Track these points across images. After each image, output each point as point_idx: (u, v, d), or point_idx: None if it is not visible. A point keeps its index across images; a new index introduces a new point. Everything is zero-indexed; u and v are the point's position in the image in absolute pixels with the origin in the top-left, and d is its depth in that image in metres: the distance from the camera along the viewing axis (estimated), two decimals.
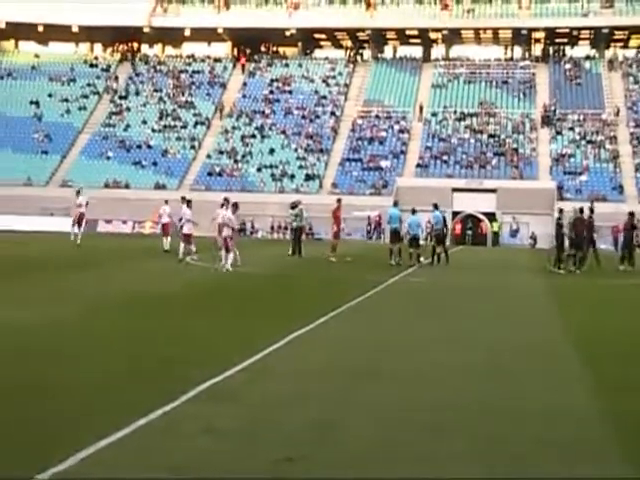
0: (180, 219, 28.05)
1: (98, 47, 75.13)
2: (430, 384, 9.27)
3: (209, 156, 61.22)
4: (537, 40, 70.21)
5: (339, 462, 6.38)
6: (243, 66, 69.96)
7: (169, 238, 30.74)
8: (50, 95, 67.50)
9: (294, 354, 10.94)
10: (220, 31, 70.73)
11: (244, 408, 7.83)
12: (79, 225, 33.07)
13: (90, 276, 21.16)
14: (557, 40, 69.32)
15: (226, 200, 25.20)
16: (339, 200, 31.99)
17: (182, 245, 26.78)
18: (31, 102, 66.66)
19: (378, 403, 8.28)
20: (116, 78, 69.42)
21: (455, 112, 62.79)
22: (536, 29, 67.85)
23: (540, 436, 7.19)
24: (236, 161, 60.55)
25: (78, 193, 34.73)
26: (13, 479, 5.63)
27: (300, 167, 59.60)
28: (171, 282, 20.57)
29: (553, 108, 62.00)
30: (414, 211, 29.23)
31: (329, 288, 20.56)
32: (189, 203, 27.78)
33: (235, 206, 24.38)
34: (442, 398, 8.53)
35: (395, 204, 30.27)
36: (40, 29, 71.92)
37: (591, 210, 31.01)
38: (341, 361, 10.50)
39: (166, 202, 32.79)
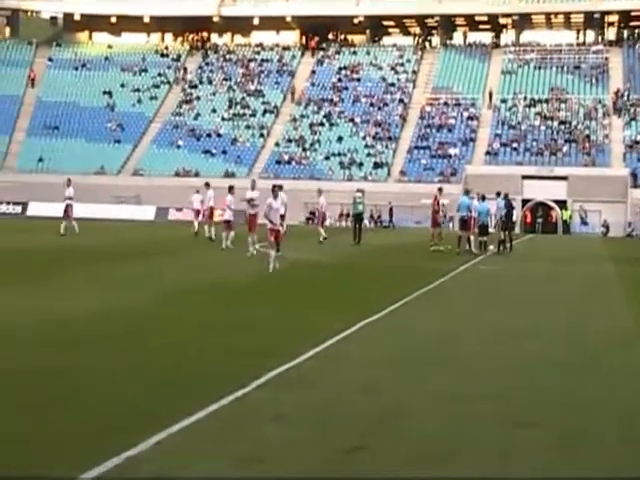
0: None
1: (169, 37, 75.93)
2: (503, 375, 9.11)
3: (278, 144, 61.44)
4: (610, 23, 68.61)
5: (409, 451, 6.30)
6: (313, 50, 69.87)
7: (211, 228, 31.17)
8: (122, 85, 68.48)
9: (364, 342, 10.88)
10: (288, 19, 70.84)
11: (314, 395, 7.81)
12: (68, 216, 31.82)
13: (160, 264, 21.39)
14: (631, 23, 67.59)
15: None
16: (440, 189, 31.27)
17: (224, 233, 26.51)
18: (104, 92, 67.73)
19: (449, 393, 8.17)
20: (186, 68, 70.05)
21: (525, 98, 61.82)
22: (609, 12, 66.34)
23: (623, 434, 7.00)
24: (304, 149, 60.64)
25: (68, 184, 32.84)
26: (89, 462, 5.69)
27: (368, 155, 59.42)
28: (238, 270, 20.68)
29: (627, 93, 60.56)
30: (483, 198, 28.83)
31: (397, 276, 20.43)
32: (232, 189, 27.25)
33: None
34: (516, 390, 8.37)
35: (466, 192, 29.91)
36: (113, 20, 73.00)
37: None
38: (411, 349, 10.41)
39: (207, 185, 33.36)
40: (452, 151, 58.76)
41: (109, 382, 8.13)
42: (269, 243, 19.32)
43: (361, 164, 58.66)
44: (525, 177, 54.12)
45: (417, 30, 72.45)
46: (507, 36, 70.66)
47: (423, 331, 11.83)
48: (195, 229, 32.82)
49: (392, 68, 66.92)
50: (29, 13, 76.96)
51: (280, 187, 22.34)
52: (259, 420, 6.90)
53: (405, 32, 73.81)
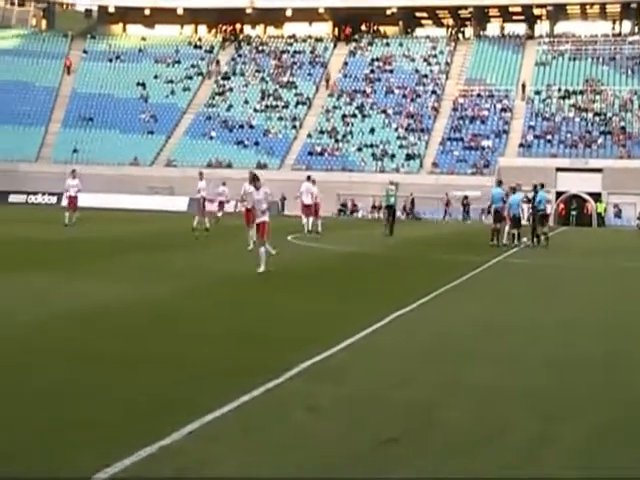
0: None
1: (202, 29, 76.12)
2: (538, 368, 9.01)
3: (310, 136, 61.41)
4: None
5: (443, 444, 6.26)
6: (347, 38, 69.67)
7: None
8: (156, 77, 68.79)
9: (397, 334, 10.84)
10: (321, 11, 70.71)
11: (346, 387, 7.79)
12: (74, 208, 31.09)
13: (191, 255, 21.48)
14: None
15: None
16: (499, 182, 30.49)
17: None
18: (138, 84, 68.09)
19: (482, 385, 8.11)
20: (218, 60, 70.20)
21: (559, 90, 61.24)
22: None
23: None
24: (337, 141, 60.57)
25: (73, 174, 32.10)
26: (122, 451, 5.71)
27: (400, 147, 59.21)
28: (271, 261, 20.69)
29: None
30: (514, 190, 28.55)
31: (430, 268, 20.35)
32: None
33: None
34: (552, 384, 8.29)
35: (499, 184, 29.66)
36: (147, 12, 73.33)
37: None
38: (444, 342, 10.35)
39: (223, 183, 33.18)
40: (485, 143, 58.39)
41: (142, 372, 8.16)
42: (258, 240, 17.23)
43: (393, 156, 58.48)
44: (559, 169, 53.62)
45: (450, 21, 72.01)
46: (541, 27, 70.01)
47: (455, 324, 11.75)
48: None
49: (425, 59, 66.58)
50: (64, 6, 77.63)
51: (309, 178, 21.96)
52: (290, 411, 6.89)
53: (438, 23, 73.40)
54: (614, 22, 69.35)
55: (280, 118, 63.56)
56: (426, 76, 65.20)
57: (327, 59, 68.97)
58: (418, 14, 72.08)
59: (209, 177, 53.57)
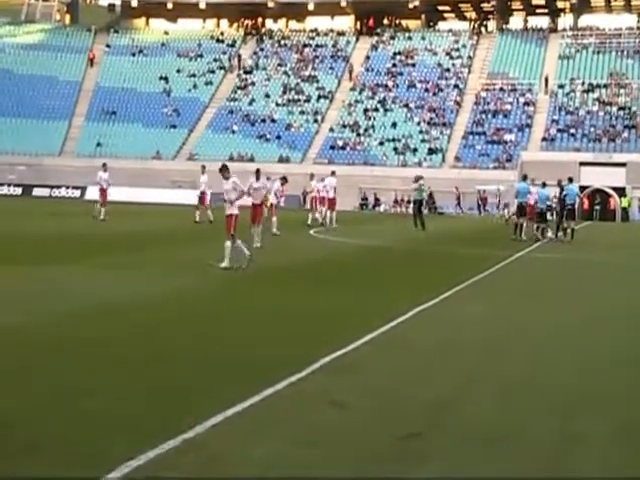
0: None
1: (224, 23, 76.20)
2: (561, 365, 8.95)
3: (332, 130, 61.34)
4: None
5: (465, 439, 6.24)
6: (370, 29, 69.48)
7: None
8: (178, 71, 68.97)
9: (419, 328, 10.81)
10: (343, 4, 70.56)
11: (369, 381, 7.78)
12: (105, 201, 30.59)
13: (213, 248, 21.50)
14: None
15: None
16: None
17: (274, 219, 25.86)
18: (160, 78, 68.29)
19: (504, 382, 8.07)
20: (240, 54, 70.26)
21: (583, 84, 60.80)
22: None
23: None
24: (358, 135, 60.48)
25: (104, 167, 31.54)
26: (146, 444, 5.73)
27: (423, 141, 59.03)
28: (291, 255, 20.70)
29: None
30: (544, 184, 28.55)
31: (453, 262, 20.28)
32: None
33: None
34: (575, 381, 8.22)
35: (524, 178, 29.53)
36: (169, 6, 73.50)
37: None
38: (465, 337, 10.31)
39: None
40: (508, 137, 58.09)
41: (168, 364, 8.19)
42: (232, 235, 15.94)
43: (415, 150, 58.31)
44: (582, 164, 53.23)
45: (473, 15, 71.66)
46: (565, 20, 69.50)
47: (477, 319, 11.70)
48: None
49: (447, 53, 66.31)
50: (88, 0, 77.97)
51: (334, 173, 21.61)
52: (313, 405, 6.89)
53: (461, 17, 73.06)
54: (639, 15, 68.70)
55: (302, 112, 63.53)
56: (448, 70, 64.92)
57: (349, 53, 68.83)
58: (440, 7, 71.79)
59: (234, 171, 53.75)
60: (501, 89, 62.10)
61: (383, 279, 16.28)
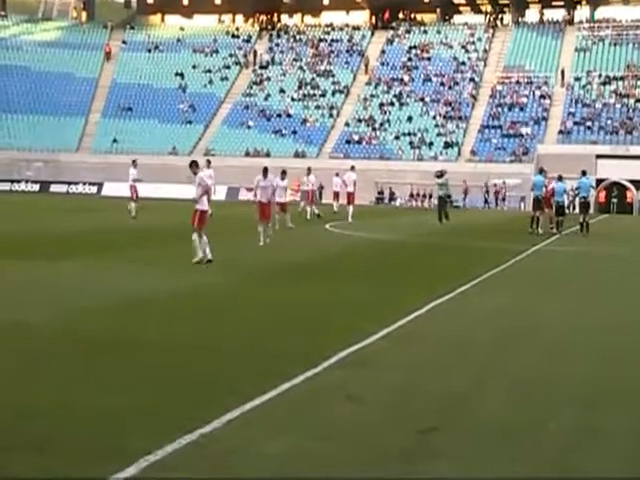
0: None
1: (239, 18, 76.20)
2: (580, 359, 8.90)
3: (347, 124, 61.25)
4: None
5: (481, 434, 6.22)
6: (385, 25, 69.31)
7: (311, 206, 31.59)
8: (194, 66, 69.05)
9: (435, 322, 10.80)
10: None
11: (385, 376, 7.78)
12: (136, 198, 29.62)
13: (234, 243, 21.54)
14: None
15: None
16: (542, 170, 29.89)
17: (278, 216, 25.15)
18: (176, 74, 68.40)
19: (522, 375, 8.05)
20: (255, 50, 70.25)
21: (600, 76, 60.41)
22: None
23: None
24: (374, 129, 60.37)
25: (134, 163, 30.65)
26: (163, 438, 5.75)
27: (438, 135, 58.87)
28: (306, 250, 20.70)
29: None
30: (560, 178, 28.35)
31: (470, 256, 20.22)
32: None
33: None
34: (593, 374, 8.18)
35: (540, 171, 29.40)
36: (185, 2, 73.57)
37: None
38: (482, 331, 10.29)
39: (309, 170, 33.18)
40: (524, 130, 57.82)
41: (185, 358, 8.23)
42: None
43: (431, 144, 58.16)
44: (599, 156, 52.91)
45: (488, 8, 71.34)
46: (581, 12, 69.04)
47: (494, 313, 11.67)
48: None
49: (463, 47, 66.05)
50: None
51: (353, 168, 21.41)
52: (329, 400, 6.90)
53: (476, 10, 72.75)
54: None
55: (317, 107, 63.47)
56: (464, 63, 64.68)
57: (364, 47, 68.67)
58: (456, 1, 71.57)
59: (250, 165, 53.91)
60: (517, 82, 61.81)
61: (401, 273, 16.27)
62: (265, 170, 21.29)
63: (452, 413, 6.74)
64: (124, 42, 72.34)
